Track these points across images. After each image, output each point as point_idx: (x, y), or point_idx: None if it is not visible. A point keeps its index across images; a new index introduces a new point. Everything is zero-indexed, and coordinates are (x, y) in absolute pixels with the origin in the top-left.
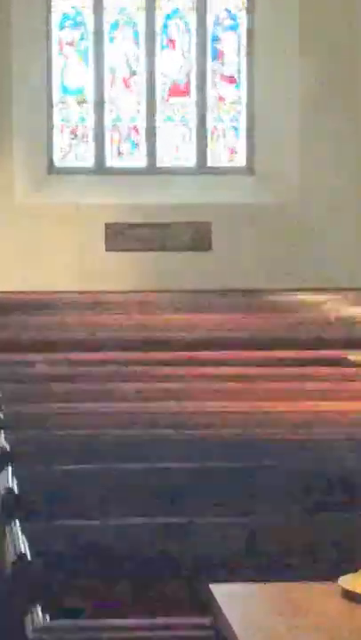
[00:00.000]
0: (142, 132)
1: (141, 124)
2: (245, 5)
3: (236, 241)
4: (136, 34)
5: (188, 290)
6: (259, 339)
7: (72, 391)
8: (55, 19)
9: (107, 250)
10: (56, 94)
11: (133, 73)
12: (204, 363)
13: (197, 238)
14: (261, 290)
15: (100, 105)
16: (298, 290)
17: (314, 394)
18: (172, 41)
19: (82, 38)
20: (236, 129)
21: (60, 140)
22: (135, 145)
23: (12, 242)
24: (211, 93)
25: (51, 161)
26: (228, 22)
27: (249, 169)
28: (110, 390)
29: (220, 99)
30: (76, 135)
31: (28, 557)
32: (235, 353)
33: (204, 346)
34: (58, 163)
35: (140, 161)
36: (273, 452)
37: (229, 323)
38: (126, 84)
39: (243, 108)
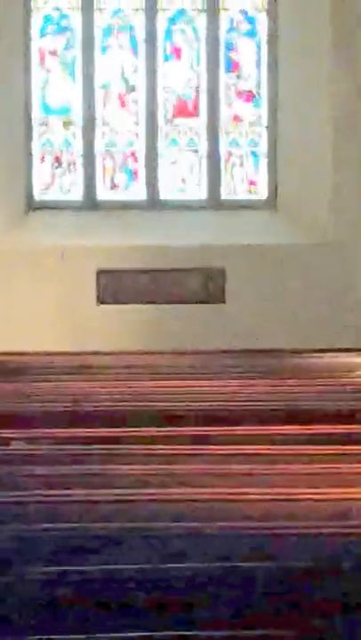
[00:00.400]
0: (141, 159)
1: (140, 150)
2: (265, 6)
3: (255, 291)
4: (133, 41)
5: (196, 351)
6: (281, 410)
7: (55, 475)
8: (35, 23)
9: (98, 302)
10: (36, 114)
11: (131, 88)
12: (214, 440)
13: (208, 288)
14: (284, 350)
15: (89, 127)
16: (329, 351)
17: (350, 478)
18: (177, 49)
19: (68, 47)
20: (255, 155)
21: (42, 170)
22: (133, 175)
23: None
24: (224, 112)
25: (30, 195)
26: (245, 27)
27: (271, 203)
28: (101, 474)
29: (236, 119)
30: (60, 163)
31: None
32: (252, 428)
33: (216, 420)
34: (38, 197)
35: (138, 194)
36: (304, 550)
37: (246, 391)
38: (122, 101)
39: (263, 131)
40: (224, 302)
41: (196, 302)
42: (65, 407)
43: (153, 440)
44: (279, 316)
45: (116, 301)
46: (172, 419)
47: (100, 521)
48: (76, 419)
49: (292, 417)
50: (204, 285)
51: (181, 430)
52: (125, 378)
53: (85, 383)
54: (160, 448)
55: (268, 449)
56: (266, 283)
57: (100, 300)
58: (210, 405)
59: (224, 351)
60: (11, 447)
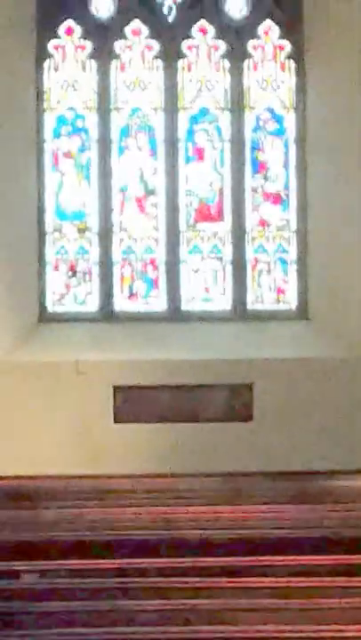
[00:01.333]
0: (161, 267)
1: (160, 257)
2: (293, 103)
3: (285, 408)
4: (153, 141)
5: (221, 473)
6: (317, 538)
7: (71, 610)
8: (48, 123)
9: (116, 421)
10: (50, 221)
11: (150, 192)
12: (244, 571)
13: (235, 405)
14: (317, 472)
15: (106, 233)
16: None
17: None
18: (199, 150)
19: (83, 148)
20: (283, 262)
21: (55, 279)
22: (152, 284)
23: None
24: (250, 216)
25: (42, 306)
26: (272, 125)
27: (301, 313)
28: (123, 610)
29: (263, 223)
30: (75, 272)
31: None
32: (283, 558)
33: (244, 548)
34: (52, 308)
35: (158, 304)
36: None
37: (276, 517)
38: (141, 205)
39: (292, 235)
40: (251, 420)
41: (221, 421)
42: (80, 535)
43: (174, 571)
44: (311, 436)
45: (135, 420)
46: (195, 547)
47: None
48: (92, 548)
49: (330, 545)
50: (229, 402)
51: (206, 560)
52: (145, 503)
53: (102, 509)
54: (183, 580)
55: (303, 581)
56: (296, 399)
57: (117, 419)
58: (236, 532)
59: (251, 473)
60: (22, 581)
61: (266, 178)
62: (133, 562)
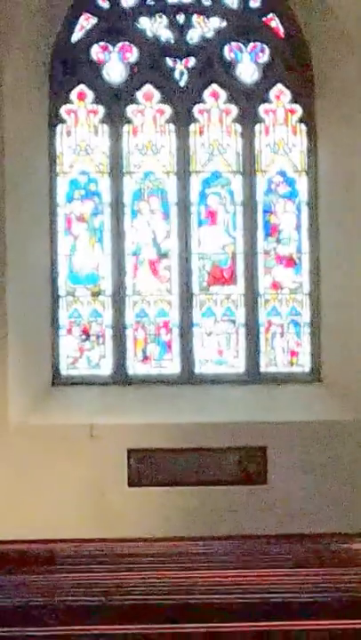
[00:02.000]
0: (175, 329)
1: (173, 320)
2: (305, 167)
3: (299, 471)
4: (165, 205)
5: (236, 536)
6: (332, 602)
7: None
8: (61, 187)
9: (130, 485)
10: (62, 284)
11: (163, 255)
12: (258, 636)
13: (248, 468)
14: (333, 534)
15: (119, 296)
16: None
17: None
18: (211, 213)
19: (96, 212)
20: (296, 324)
21: (68, 343)
22: (166, 347)
23: (5, 474)
24: (263, 280)
25: (56, 369)
26: (284, 189)
27: (314, 376)
28: None
29: (276, 286)
30: (88, 336)
31: None
32: (301, 622)
33: (260, 613)
34: (65, 371)
35: (172, 367)
36: None
37: (292, 581)
38: (154, 268)
39: (305, 298)
40: (265, 483)
41: (235, 483)
42: (94, 600)
43: (189, 637)
44: (326, 498)
45: (148, 483)
46: (211, 613)
47: None
48: (106, 612)
49: (346, 609)
50: (243, 465)
51: (221, 625)
52: (159, 567)
53: (116, 573)
54: None
55: None
56: (310, 462)
57: (131, 482)
58: (251, 597)
59: (266, 536)
60: None
61: (278, 241)
62: (148, 627)
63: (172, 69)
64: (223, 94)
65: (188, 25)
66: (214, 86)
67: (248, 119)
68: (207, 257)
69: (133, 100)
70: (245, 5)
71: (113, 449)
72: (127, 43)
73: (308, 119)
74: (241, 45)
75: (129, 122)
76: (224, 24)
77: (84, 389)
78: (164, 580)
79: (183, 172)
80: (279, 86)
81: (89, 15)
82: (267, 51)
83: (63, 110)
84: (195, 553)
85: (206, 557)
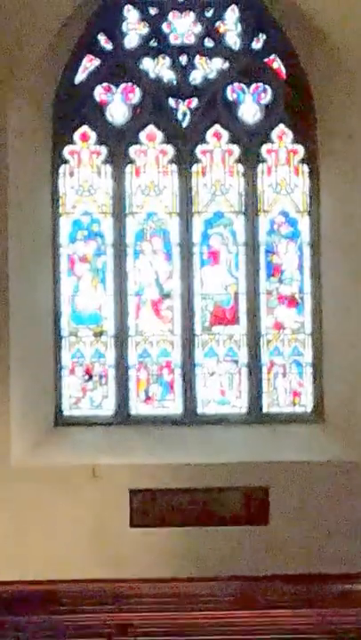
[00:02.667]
0: (177, 370)
1: (176, 361)
2: (307, 207)
3: (302, 511)
4: (168, 245)
5: (238, 576)
6: None
7: None
8: (64, 228)
9: (132, 525)
10: (65, 324)
11: (165, 295)
12: None
13: (251, 508)
14: (335, 575)
15: (121, 337)
16: None
17: None
18: (214, 253)
19: (98, 252)
20: (299, 365)
21: (71, 383)
22: (168, 387)
23: (7, 515)
24: (266, 320)
25: (58, 409)
26: (287, 229)
27: (317, 416)
28: None
29: (278, 326)
30: (91, 376)
31: None
32: None
33: None
34: (68, 411)
35: (174, 407)
36: None
37: (294, 623)
38: (156, 309)
39: (307, 339)
40: (267, 524)
41: (237, 524)
42: None
43: None
44: (327, 539)
45: (151, 524)
46: None
47: None
48: None
49: None
50: (245, 506)
51: None
52: (161, 607)
53: (118, 614)
54: None
55: None
56: (312, 502)
57: (133, 523)
58: (254, 638)
59: (267, 577)
60: None
61: (280, 281)
62: None
63: (175, 110)
64: (226, 135)
65: (190, 66)
66: (217, 127)
67: (250, 160)
68: (210, 297)
69: (136, 141)
70: (248, 46)
71: (115, 489)
72: (130, 84)
73: (310, 160)
74: (243, 86)
75: (132, 162)
76: (226, 65)
77: (86, 430)
78: (166, 621)
79: (186, 213)
80: (281, 127)
81: (92, 57)
82: (269, 91)
83: (66, 151)
84: (196, 594)
85: (208, 598)
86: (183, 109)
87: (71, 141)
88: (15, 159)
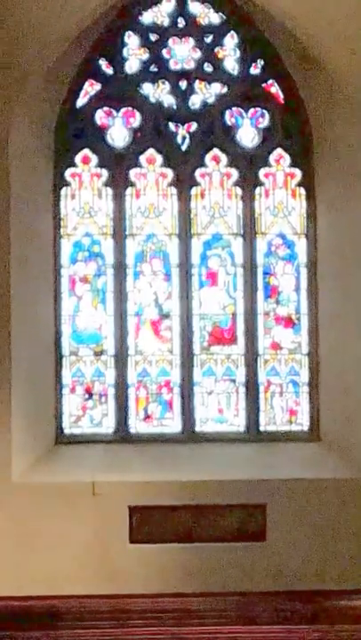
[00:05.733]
0: (176, 389)
1: (175, 380)
2: (304, 229)
3: (298, 528)
4: (167, 266)
5: (235, 593)
6: None
7: None
8: (65, 249)
9: (131, 541)
10: (66, 344)
11: (165, 316)
12: None
13: (249, 525)
14: (332, 592)
15: (121, 356)
16: None
17: None
18: (212, 275)
19: (99, 273)
20: (295, 384)
21: (72, 402)
22: (167, 406)
23: (9, 531)
24: (263, 340)
25: (59, 427)
26: (284, 251)
27: (313, 434)
28: None
29: (275, 346)
30: (91, 395)
31: None
32: None
33: None
34: (68, 429)
35: (173, 426)
36: None
37: (290, 636)
38: (155, 329)
39: (304, 359)
40: (264, 540)
41: (235, 541)
42: None
43: None
44: (325, 556)
45: (150, 540)
46: None
47: None
48: None
49: None
50: (243, 523)
51: None
52: (160, 623)
53: (118, 629)
54: None
55: None
56: (308, 519)
57: (133, 539)
58: None
59: (265, 593)
60: None
61: (278, 302)
62: None
63: (175, 134)
64: (224, 158)
65: (190, 91)
66: (215, 150)
67: (248, 183)
68: (208, 317)
69: (136, 164)
70: (246, 72)
71: (115, 506)
72: (130, 108)
73: (307, 183)
74: (241, 111)
75: (132, 185)
76: (225, 90)
77: (86, 447)
78: (165, 636)
79: (185, 235)
80: (279, 151)
81: (93, 81)
82: (267, 116)
83: (68, 173)
84: (195, 609)
85: (206, 613)
86: (183, 133)
87: (73, 164)
88: (18, 181)
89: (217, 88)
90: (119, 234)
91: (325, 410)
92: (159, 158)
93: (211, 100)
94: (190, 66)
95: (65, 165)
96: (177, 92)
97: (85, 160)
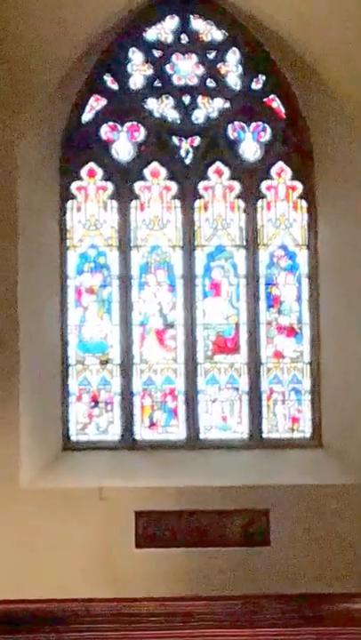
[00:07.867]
0: (180, 397)
1: (179, 388)
2: (305, 241)
3: (301, 533)
4: (171, 277)
5: (239, 596)
6: None
7: None
8: (72, 260)
9: (137, 546)
10: (72, 353)
11: (169, 325)
12: None
13: (251, 530)
14: (335, 595)
15: (127, 365)
16: None
17: None
18: (216, 285)
19: (104, 284)
20: (297, 392)
21: (78, 409)
22: (172, 413)
23: (16, 536)
24: (266, 349)
25: (66, 435)
26: (286, 262)
27: (315, 441)
28: None
29: (278, 355)
30: (97, 403)
31: None
32: None
33: None
34: (75, 437)
35: (178, 433)
36: None
37: (297, 639)
38: (160, 338)
39: (306, 367)
40: (268, 545)
41: (239, 545)
42: None
43: None
44: (328, 560)
45: (155, 545)
46: None
47: None
48: None
49: None
50: (246, 528)
51: None
52: (166, 626)
53: (123, 632)
54: None
55: None
56: (311, 525)
57: (139, 544)
58: None
59: (269, 596)
60: None
61: (280, 311)
62: None
63: (178, 148)
64: (227, 172)
65: (193, 105)
66: (218, 164)
67: (251, 195)
68: (212, 327)
69: (141, 178)
70: (248, 87)
71: (121, 511)
72: (135, 123)
73: (308, 195)
74: (244, 125)
75: (137, 198)
76: (228, 105)
77: (93, 454)
78: (170, 639)
79: (188, 246)
80: (280, 164)
81: (99, 97)
82: (268, 130)
83: (74, 187)
84: (200, 612)
85: (211, 616)
86: (186, 147)
87: (78, 178)
88: (25, 194)
89: (219, 103)
90: (124, 245)
91: (327, 417)
92: (163, 172)
93: (213, 115)
94: (193, 81)
95: (71, 179)
96: (180, 107)
97: (91, 173)
